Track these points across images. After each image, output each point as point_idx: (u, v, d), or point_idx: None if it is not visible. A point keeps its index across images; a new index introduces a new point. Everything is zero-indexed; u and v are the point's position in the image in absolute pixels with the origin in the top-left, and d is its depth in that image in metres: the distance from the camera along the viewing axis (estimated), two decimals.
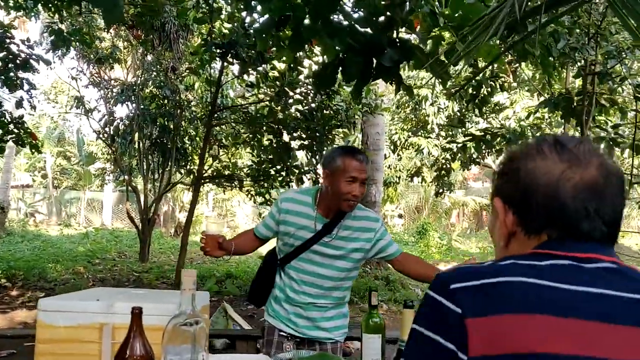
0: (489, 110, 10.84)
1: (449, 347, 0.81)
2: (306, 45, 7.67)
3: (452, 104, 11.31)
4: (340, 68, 3.68)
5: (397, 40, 3.67)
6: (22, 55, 7.93)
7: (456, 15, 3.70)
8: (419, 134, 12.57)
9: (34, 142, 8.70)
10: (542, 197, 0.89)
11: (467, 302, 0.82)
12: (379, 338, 1.69)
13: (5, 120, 8.18)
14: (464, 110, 10.80)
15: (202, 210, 21.99)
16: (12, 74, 8.01)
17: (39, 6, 8.36)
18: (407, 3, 3.61)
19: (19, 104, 8.40)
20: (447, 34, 4.39)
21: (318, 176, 8.57)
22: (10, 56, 7.86)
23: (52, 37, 8.83)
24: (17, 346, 4.84)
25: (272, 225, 2.57)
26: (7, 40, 7.80)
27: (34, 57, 8.06)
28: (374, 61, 3.62)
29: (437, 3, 3.91)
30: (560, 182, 0.88)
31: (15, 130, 8.29)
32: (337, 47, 3.60)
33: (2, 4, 8.01)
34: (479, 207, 24.07)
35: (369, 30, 3.65)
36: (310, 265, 2.51)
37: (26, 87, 8.31)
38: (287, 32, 6.92)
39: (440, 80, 4.19)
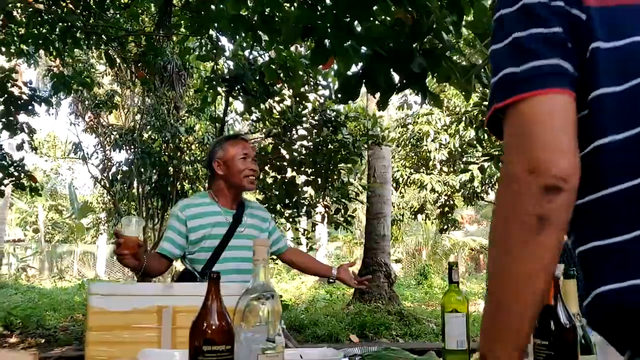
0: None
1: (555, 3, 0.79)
2: (311, 77, 7.69)
3: (453, 140, 11.28)
4: (365, 79, 3.61)
5: (422, 50, 3.61)
6: (24, 97, 7.88)
7: (480, 22, 3.66)
8: (421, 170, 12.52)
9: (33, 184, 8.54)
10: None
11: None
12: (463, 317, 1.52)
13: (6, 163, 8.04)
14: (465, 147, 10.79)
15: None
16: (11, 117, 7.95)
17: (40, 52, 8.38)
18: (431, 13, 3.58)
19: (19, 147, 8.31)
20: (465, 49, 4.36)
21: (327, 209, 8.42)
22: (11, 99, 7.81)
23: (53, 81, 8.81)
24: None
25: (178, 241, 2.42)
26: (9, 84, 7.76)
27: (35, 98, 8.02)
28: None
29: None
30: None
31: (15, 173, 8.14)
32: (362, 56, 3.53)
33: (4, 49, 8.01)
34: (479, 247, 23.86)
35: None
36: (234, 263, 2.42)
37: (26, 130, 8.24)
38: (295, 62, 6.95)
39: (463, 94, 4.13)
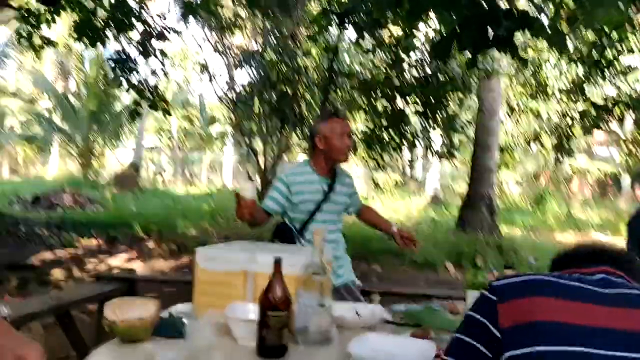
0: (614, 73, 10.23)
1: (482, 321, 1.13)
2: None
3: (574, 67, 10.75)
4: (456, 39, 3.77)
5: (514, 11, 3.69)
6: (157, 27, 8.62)
7: None
8: (538, 98, 12.11)
9: (166, 107, 9.43)
10: None
11: (500, 292, 1.13)
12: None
13: (143, 87, 8.94)
14: (587, 74, 10.28)
15: None
16: (147, 44, 8.74)
17: None
18: None
19: (153, 72, 9.12)
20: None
21: (432, 141, 8.62)
22: (146, 28, 8.58)
23: (182, 9, 9.47)
24: (158, 290, 5.45)
25: (280, 201, 2.82)
26: (144, 13, 8.51)
27: (167, 28, 8.73)
28: (489, 31, 3.68)
29: None
30: None
31: (150, 97, 9.05)
32: (453, 18, 3.69)
33: None
34: (604, 175, 22.69)
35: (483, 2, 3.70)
36: (324, 224, 2.82)
37: (160, 56, 9.02)
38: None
39: (558, 49, 4.16)
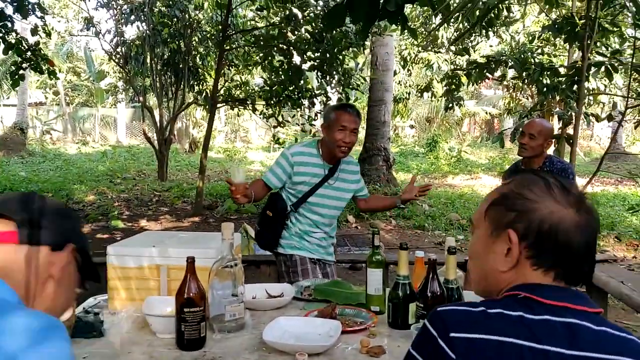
0: (499, 24, 10.77)
1: None
2: None
3: (463, 19, 11.20)
4: (348, 10, 3.88)
5: None
6: None
7: None
8: (429, 48, 12.55)
9: (51, 68, 8.89)
10: (560, 241, 1.00)
11: (461, 350, 0.94)
12: (380, 271, 2.09)
13: (23, 48, 8.35)
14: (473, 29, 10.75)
15: (215, 126, 22.26)
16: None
17: None
18: None
19: (34, 31, 8.54)
20: None
21: (329, 99, 8.79)
22: None
23: None
24: None
25: (283, 178, 2.92)
26: None
27: None
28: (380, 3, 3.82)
29: None
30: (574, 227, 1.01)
31: (33, 58, 8.49)
32: None
33: None
34: (490, 116, 24.15)
35: None
36: (321, 208, 2.96)
37: (38, 13, 8.43)
38: None
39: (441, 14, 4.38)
